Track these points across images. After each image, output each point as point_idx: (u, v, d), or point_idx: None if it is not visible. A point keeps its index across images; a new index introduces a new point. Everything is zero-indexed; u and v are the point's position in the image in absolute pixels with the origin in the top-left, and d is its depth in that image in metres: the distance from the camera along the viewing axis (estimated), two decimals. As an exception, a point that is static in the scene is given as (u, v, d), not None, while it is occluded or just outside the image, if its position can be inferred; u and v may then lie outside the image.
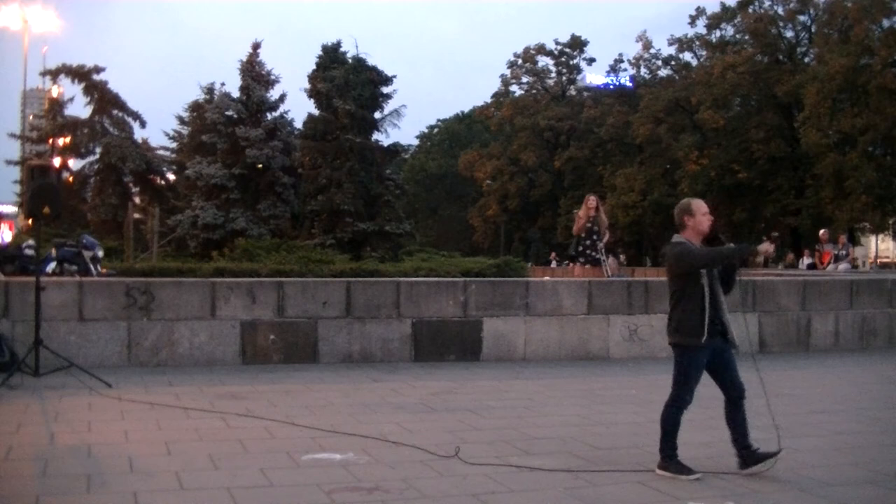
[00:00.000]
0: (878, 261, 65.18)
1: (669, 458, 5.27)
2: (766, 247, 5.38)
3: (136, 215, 37.16)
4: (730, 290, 5.47)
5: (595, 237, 13.44)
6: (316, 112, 34.79)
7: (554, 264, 44.57)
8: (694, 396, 5.39)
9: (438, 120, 76.14)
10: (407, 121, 41.92)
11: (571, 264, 14.28)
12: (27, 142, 44.10)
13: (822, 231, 22.00)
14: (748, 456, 5.33)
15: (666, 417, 5.34)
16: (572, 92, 60.48)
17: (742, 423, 5.39)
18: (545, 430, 6.50)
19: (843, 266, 18.97)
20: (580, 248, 13.59)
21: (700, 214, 5.34)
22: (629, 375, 9.60)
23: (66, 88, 44.88)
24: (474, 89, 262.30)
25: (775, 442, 5.52)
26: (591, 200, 13.69)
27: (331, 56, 35.00)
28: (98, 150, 41.64)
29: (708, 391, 8.46)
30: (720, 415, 7.29)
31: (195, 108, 38.39)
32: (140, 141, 43.56)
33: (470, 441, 6.06)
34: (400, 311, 10.15)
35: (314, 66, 35.20)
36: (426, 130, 75.69)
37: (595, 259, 13.41)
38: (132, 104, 42.87)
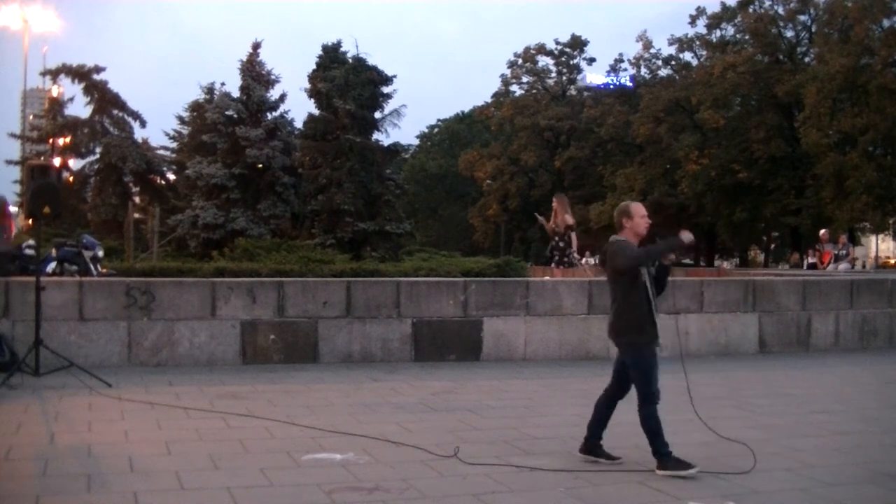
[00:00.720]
0: (879, 261, 65.22)
1: (666, 456, 5.30)
2: (687, 236, 5.52)
3: (137, 215, 37.15)
4: (662, 291, 5.62)
5: (558, 239, 13.28)
6: (316, 112, 34.79)
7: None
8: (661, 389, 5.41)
9: (439, 120, 76.17)
10: (407, 120, 41.93)
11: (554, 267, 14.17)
12: (27, 141, 44.12)
13: (822, 231, 22.00)
14: (592, 446, 5.58)
15: (647, 419, 5.38)
16: (572, 92, 60.45)
17: (607, 417, 5.61)
18: (545, 430, 6.50)
19: (843, 266, 18.97)
20: (553, 252, 13.49)
21: (638, 217, 5.55)
22: (629, 375, 9.59)
23: (67, 88, 44.93)
24: (474, 89, 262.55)
25: (772, 443, 5.52)
26: (554, 202, 13.55)
27: (331, 56, 35.01)
28: (98, 149, 41.67)
29: (709, 391, 8.48)
30: (720, 415, 7.31)
31: (195, 107, 38.38)
32: (140, 141, 43.58)
33: (470, 441, 6.06)
34: (400, 310, 10.15)
35: (314, 66, 35.20)
36: (426, 130, 75.74)
37: (565, 261, 13.23)
38: (132, 104, 42.92)
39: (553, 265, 13.61)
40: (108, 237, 31.85)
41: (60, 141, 41.43)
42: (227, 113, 33.76)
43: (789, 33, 47.39)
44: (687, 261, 58.43)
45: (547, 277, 12.99)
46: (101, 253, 14.85)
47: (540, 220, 14.38)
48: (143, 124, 42.92)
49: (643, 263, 5.43)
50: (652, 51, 55.58)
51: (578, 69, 59.57)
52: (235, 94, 34.64)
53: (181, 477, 5.02)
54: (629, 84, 55.30)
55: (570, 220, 13.32)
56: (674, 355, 10.94)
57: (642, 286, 5.42)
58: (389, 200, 34.69)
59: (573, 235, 13.18)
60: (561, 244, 13.19)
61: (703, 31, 50.40)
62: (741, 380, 9.35)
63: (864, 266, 51.55)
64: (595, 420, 5.64)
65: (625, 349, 5.53)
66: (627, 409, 7.45)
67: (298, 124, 36.16)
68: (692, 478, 5.18)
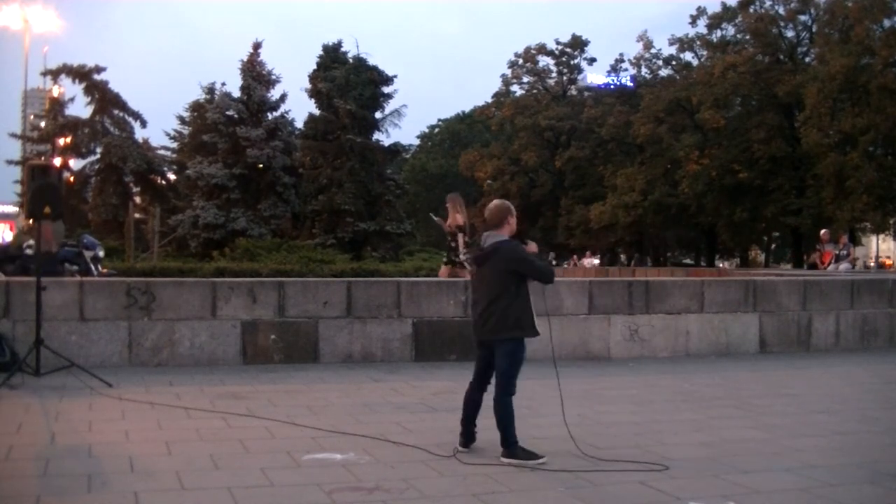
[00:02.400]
0: (878, 260, 65.18)
1: (515, 444, 5.54)
2: (531, 247, 5.88)
3: (137, 215, 37.20)
4: None
5: (450, 239, 12.99)
6: (317, 112, 34.83)
7: (554, 263, 44.67)
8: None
9: (439, 120, 76.11)
10: (407, 120, 41.92)
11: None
12: (28, 142, 44.16)
13: (822, 231, 21.98)
14: (469, 436, 5.82)
15: (504, 408, 5.60)
16: (573, 92, 60.42)
17: (477, 408, 5.85)
18: (546, 430, 6.49)
19: (843, 266, 18.95)
20: (448, 252, 13.20)
21: (514, 216, 5.92)
22: (630, 375, 9.60)
23: (67, 88, 45.03)
24: (475, 89, 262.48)
25: (772, 443, 5.52)
26: (448, 201, 13.10)
27: (331, 56, 35.04)
28: (99, 149, 41.74)
29: (709, 391, 8.49)
30: (721, 415, 7.32)
31: (196, 107, 38.44)
32: (141, 141, 43.66)
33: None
34: (401, 310, 10.14)
35: (315, 66, 35.24)
36: (427, 130, 75.71)
37: (455, 261, 12.93)
38: (133, 104, 43.02)
39: (443, 266, 13.28)
40: (109, 237, 31.92)
41: (61, 141, 41.47)
42: (227, 113, 33.80)
43: (790, 33, 47.37)
44: (687, 261, 58.50)
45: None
46: (101, 253, 14.89)
47: (436, 221, 13.98)
48: (143, 124, 43.03)
49: (541, 277, 5.82)
50: (652, 51, 55.61)
51: (579, 69, 59.58)
52: (236, 94, 34.69)
53: (182, 477, 5.02)
54: (630, 84, 55.30)
55: (460, 219, 12.82)
56: (675, 355, 11.01)
57: (526, 287, 5.72)
58: (390, 200, 34.72)
59: (461, 237, 12.82)
60: (453, 244, 12.87)
61: (704, 31, 50.38)
62: (741, 380, 9.35)
63: (865, 266, 51.53)
64: (466, 412, 5.85)
65: (506, 342, 5.68)
66: (626, 410, 7.47)
67: (299, 124, 36.23)
68: (540, 467, 5.36)
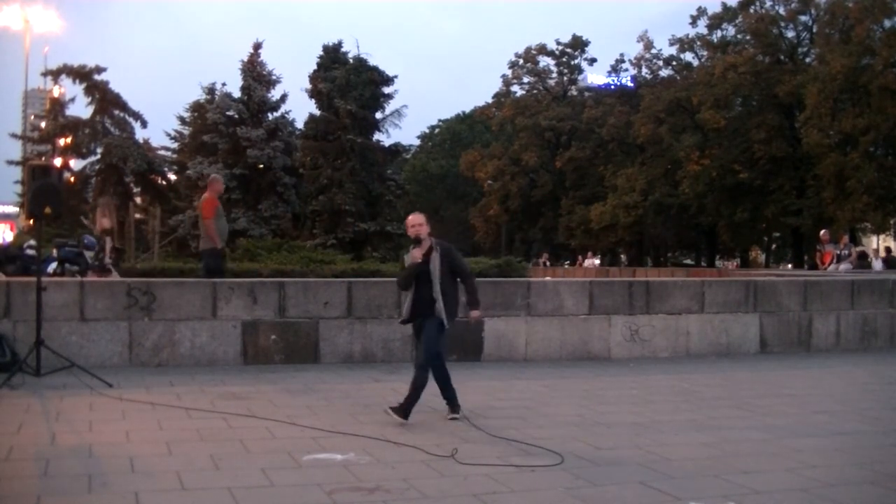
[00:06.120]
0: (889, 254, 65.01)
1: (454, 400, 6.91)
2: (415, 253, 6.68)
3: (138, 215, 37.21)
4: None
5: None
6: (317, 112, 34.83)
7: (547, 264, 44.67)
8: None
9: (440, 120, 76.07)
10: (408, 121, 41.97)
11: None
12: (28, 142, 44.16)
13: (822, 231, 21.97)
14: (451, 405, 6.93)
15: (439, 369, 6.77)
16: (573, 92, 60.43)
17: (439, 382, 6.90)
18: (546, 430, 6.50)
19: (844, 266, 18.94)
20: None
21: (409, 227, 6.84)
22: (630, 375, 9.60)
23: (68, 89, 45.03)
24: (475, 89, 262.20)
25: (772, 443, 5.52)
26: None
27: (332, 56, 35.04)
28: (99, 150, 41.73)
29: (709, 391, 8.49)
30: (721, 415, 7.32)
31: (196, 108, 38.44)
32: (141, 141, 43.65)
33: (471, 441, 6.06)
34: (401, 311, 10.12)
35: (315, 67, 35.24)
36: (427, 130, 75.67)
37: (95, 265, 12.73)
38: (133, 104, 43.02)
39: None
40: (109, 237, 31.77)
41: (61, 141, 41.48)
42: (228, 113, 33.81)
43: (790, 34, 47.36)
44: (688, 261, 58.49)
45: (547, 278, 12.74)
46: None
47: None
48: (143, 125, 43.02)
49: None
50: (653, 51, 55.60)
51: (579, 69, 59.59)
52: (236, 94, 34.70)
53: (182, 477, 5.03)
54: (630, 84, 55.31)
55: (106, 223, 12.69)
56: (675, 356, 11.01)
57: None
58: (390, 201, 34.73)
59: (107, 240, 12.57)
60: (96, 247, 12.71)
61: (704, 31, 50.38)
62: (742, 380, 9.35)
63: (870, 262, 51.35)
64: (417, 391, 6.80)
65: (440, 326, 6.72)
66: (627, 410, 7.47)
67: (299, 125, 36.23)
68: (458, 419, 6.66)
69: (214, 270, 11.03)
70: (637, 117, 48.95)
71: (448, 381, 6.88)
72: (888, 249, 23.83)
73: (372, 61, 34.67)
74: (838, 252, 19.53)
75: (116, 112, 42.41)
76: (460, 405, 6.90)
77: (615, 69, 56.94)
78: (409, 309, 6.85)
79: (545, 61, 60.07)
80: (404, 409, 6.61)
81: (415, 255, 6.64)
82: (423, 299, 6.72)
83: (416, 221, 6.77)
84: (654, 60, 55.85)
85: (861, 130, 37.55)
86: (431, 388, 8.37)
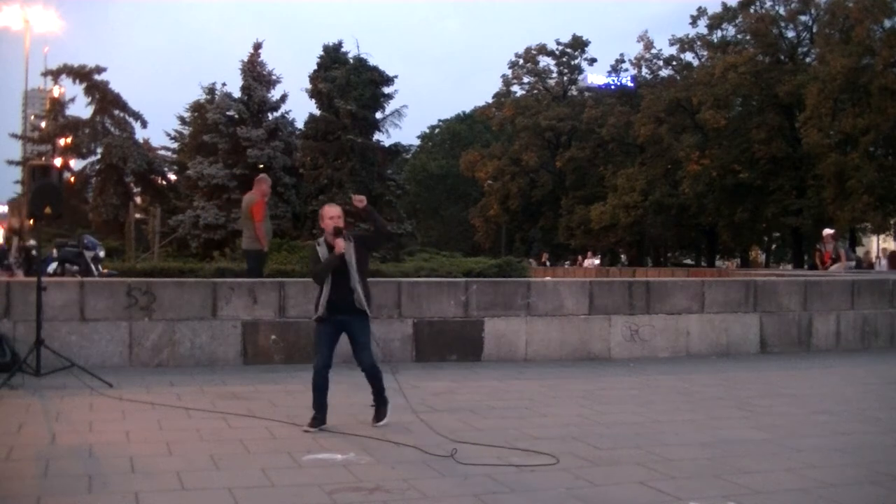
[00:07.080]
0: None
1: (384, 396, 6.93)
2: (340, 243, 6.48)
3: (138, 215, 37.15)
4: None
5: (2, 241, 12.73)
6: (317, 112, 34.77)
7: (548, 264, 44.69)
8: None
9: (440, 120, 76.10)
10: (408, 121, 41.97)
11: None
12: (28, 142, 44.14)
13: (824, 231, 21.93)
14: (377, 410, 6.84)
15: (379, 372, 6.94)
16: (573, 92, 60.45)
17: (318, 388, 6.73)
18: (546, 430, 6.50)
19: (834, 268, 18.89)
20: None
21: (325, 218, 6.60)
22: (630, 376, 9.60)
23: (68, 89, 44.98)
24: (476, 89, 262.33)
25: (772, 443, 5.51)
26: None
27: (332, 56, 34.98)
28: (99, 150, 41.69)
29: (710, 391, 8.49)
30: (721, 415, 7.32)
31: (196, 108, 38.40)
32: (141, 141, 43.60)
33: (471, 441, 6.06)
34: (401, 311, 10.15)
35: (315, 67, 35.18)
36: (427, 130, 75.69)
37: (4, 264, 12.64)
38: (133, 104, 42.93)
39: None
40: (109, 237, 31.88)
41: (62, 141, 41.47)
42: (228, 113, 33.76)
43: (790, 34, 47.40)
44: (688, 261, 58.47)
45: (548, 278, 12.82)
46: (102, 253, 14.88)
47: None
48: (144, 124, 42.95)
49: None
50: (653, 51, 55.65)
51: (579, 69, 59.61)
52: (236, 94, 34.63)
53: (182, 477, 5.03)
54: (630, 84, 55.34)
55: (15, 223, 12.56)
56: (675, 356, 11.00)
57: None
58: (390, 201, 34.68)
59: (16, 240, 12.47)
60: (6, 247, 12.60)
61: (704, 31, 50.44)
62: (742, 380, 9.35)
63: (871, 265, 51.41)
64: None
65: (364, 318, 6.79)
66: (627, 410, 7.46)
67: (299, 125, 36.14)
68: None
69: (255, 271, 11.08)
70: (637, 117, 48.98)
71: (325, 391, 6.69)
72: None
73: (372, 61, 34.59)
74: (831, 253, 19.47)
75: (116, 112, 42.37)
76: (326, 421, 6.53)
77: (615, 69, 56.99)
78: (325, 304, 6.60)
79: (545, 61, 60.18)
80: (382, 413, 6.74)
81: (339, 245, 6.45)
82: (339, 292, 6.54)
83: (335, 213, 6.61)
84: (654, 60, 55.93)
85: (861, 130, 37.57)
86: (431, 388, 8.39)
